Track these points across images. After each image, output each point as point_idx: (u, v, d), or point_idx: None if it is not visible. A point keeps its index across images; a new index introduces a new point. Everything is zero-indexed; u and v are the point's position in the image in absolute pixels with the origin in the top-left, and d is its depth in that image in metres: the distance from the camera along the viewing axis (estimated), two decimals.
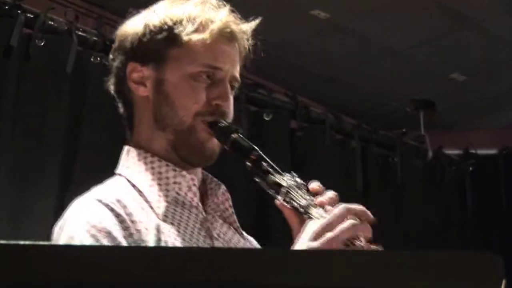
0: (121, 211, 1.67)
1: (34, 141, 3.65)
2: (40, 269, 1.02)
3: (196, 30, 1.80)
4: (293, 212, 1.67)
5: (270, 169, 1.70)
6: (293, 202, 1.65)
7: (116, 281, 1.04)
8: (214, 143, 1.79)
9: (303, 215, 1.64)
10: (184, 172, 1.79)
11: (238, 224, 1.88)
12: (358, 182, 5.11)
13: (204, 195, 1.85)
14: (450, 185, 5.66)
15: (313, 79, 5.11)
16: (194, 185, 1.80)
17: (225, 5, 1.87)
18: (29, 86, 3.71)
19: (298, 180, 1.70)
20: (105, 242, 1.61)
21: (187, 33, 1.80)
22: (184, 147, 1.80)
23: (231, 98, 1.84)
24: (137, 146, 1.85)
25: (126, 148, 1.87)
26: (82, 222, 1.64)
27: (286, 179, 1.69)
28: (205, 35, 1.80)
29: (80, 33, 3.88)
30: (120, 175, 1.83)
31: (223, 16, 1.84)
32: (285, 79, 5.00)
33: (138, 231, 1.66)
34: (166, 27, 1.81)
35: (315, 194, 1.67)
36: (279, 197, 1.67)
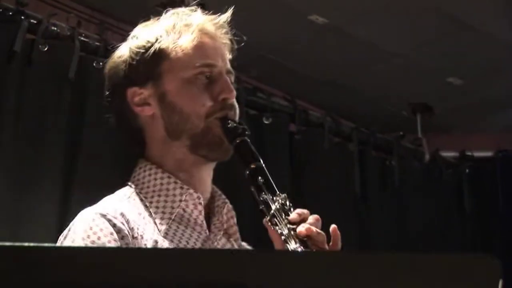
0: (123, 226, 1.69)
1: (36, 145, 3.64)
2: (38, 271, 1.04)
3: (178, 37, 1.85)
4: (276, 233, 1.70)
5: (264, 186, 1.73)
6: (277, 227, 1.69)
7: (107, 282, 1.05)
8: None
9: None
10: (191, 190, 1.82)
11: (241, 242, 1.92)
12: (356, 185, 5.11)
13: (211, 212, 1.88)
14: (447, 187, 5.66)
15: (312, 83, 5.12)
16: (200, 203, 1.83)
17: (195, 10, 1.92)
18: (32, 90, 3.71)
19: (288, 203, 1.73)
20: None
21: (172, 43, 1.85)
22: (203, 146, 1.83)
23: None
24: (150, 161, 1.88)
25: (140, 161, 1.90)
26: (82, 235, 1.67)
27: (276, 200, 1.72)
28: (189, 38, 1.85)
29: (82, 38, 3.88)
30: (130, 186, 1.87)
31: (199, 17, 1.89)
32: (284, 83, 5.02)
33: (137, 245, 1.68)
34: (149, 45, 1.85)
35: (299, 221, 1.69)
36: (265, 218, 1.72)
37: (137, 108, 1.86)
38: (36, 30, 3.74)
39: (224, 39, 1.92)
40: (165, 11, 1.93)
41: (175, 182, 1.82)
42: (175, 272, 1.06)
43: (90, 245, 1.64)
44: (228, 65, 1.90)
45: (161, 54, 1.84)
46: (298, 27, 4.52)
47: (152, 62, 1.85)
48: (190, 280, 1.06)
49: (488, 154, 5.71)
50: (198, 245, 1.79)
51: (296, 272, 1.11)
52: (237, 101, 5.04)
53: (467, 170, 5.69)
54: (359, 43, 4.70)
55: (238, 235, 1.91)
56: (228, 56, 1.92)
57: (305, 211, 1.74)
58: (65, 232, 1.75)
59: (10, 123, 3.61)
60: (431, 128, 5.54)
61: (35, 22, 3.76)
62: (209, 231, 1.84)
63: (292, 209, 1.73)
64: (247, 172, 1.77)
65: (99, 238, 1.66)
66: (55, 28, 3.83)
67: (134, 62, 1.85)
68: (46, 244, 1.08)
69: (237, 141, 1.80)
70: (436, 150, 5.60)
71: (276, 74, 4.94)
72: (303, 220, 1.70)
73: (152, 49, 1.84)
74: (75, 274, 1.04)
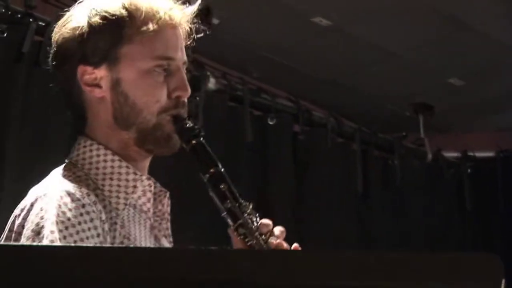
0: (94, 208, 1.64)
1: (42, 146, 3.66)
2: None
3: (142, 23, 1.74)
4: (243, 243, 1.69)
5: (228, 194, 1.70)
6: (246, 238, 1.68)
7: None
8: None
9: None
10: (143, 177, 1.77)
11: (170, 232, 1.86)
12: (358, 184, 5.14)
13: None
14: (449, 187, 5.67)
15: (314, 83, 5.13)
16: (150, 191, 1.79)
17: None
18: (39, 91, 3.75)
19: (254, 213, 1.71)
20: (75, 239, 1.58)
21: (135, 28, 1.75)
22: (150, 142, 1.77)
23: None
24: (95, 140, 1.78)
25: (82, 138, 1.80)
26: (53, 219, 1.59)
27: (244, 210, 1.70)
28: (152, 27, 1.74)
29: None
30: (75, 165, 1.77)
31: (166, 4, 1.79)
32: (287, 84, 5.03)
33: (107, 231, 1.65)
34: (111, 24, 1.74)
35: (266, 232, 1.69)
36: (231, 227, 1.70)
37: (86, 88, 1.76)
38: (44, 32, 3.78)
39: (185, 26, 1.82)
40: None
41: (127, 167, 1.76)
42: (167, 271, 1.06)
43: (61, 229, 1.57)
44: (185, 57, 1.81)
45: (121, 37, 1.74)
46: (301, 29, 4.55)
47: (110, 44, 1.75)
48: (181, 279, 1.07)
49: (489, 154, 5.73)
50: (148, 231, 1.76)
51: (298, 272, 1.10)
52: (242, 102, 5.08)
53: (469, 170, 5.71)
54: (362, 44, 4.71)
55: (169, 229, 1.85)
56: (185, 42, 1.83)
57: (270, 222, 1.72)
58: (23, 214, 1.67)
59: (17, 123, 3.64)
60: (433, 128, 5.56)
61: (43, 24, 3.79)
62: (152, 219, 1.81)
63: (257, 219, 1.71)
64: (207, 176, 1.72)
65: (69, 219, 1.60)
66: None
67: (91, 39, 1.74)
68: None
69: (193, 142, 1.74)
70: (438, 150, 5.61)
71: (279, 75, 4.96)
72: (270, 231, 1.69)
73: (113, 30, 1.74)
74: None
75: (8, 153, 3.60)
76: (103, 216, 1.66)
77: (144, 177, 1.77)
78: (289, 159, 4.84)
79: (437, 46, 4.77)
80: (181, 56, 1.80)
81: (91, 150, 1.77)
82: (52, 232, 1.58)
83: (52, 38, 1.83)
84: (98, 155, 1.76)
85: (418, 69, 5.03)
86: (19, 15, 3.72)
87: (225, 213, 1.71)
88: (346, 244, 4.87)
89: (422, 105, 5.44)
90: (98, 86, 1.77)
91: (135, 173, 1.76)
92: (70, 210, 1.61)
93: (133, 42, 1.75)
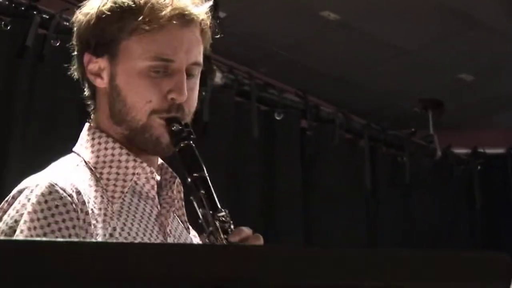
0: (75, 200, 1.61)
1: (47, 140, 3.66)
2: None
3: (145, 18, 1.70)
4: None
5: (205, 200, 1.67)
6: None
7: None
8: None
9: None
10: (144, 164, 1.75)
11: (186, 218, 1.85)
12: (367, 181, 5.12)
13: (158, 186, 1.80)
14: (458, 184, 5.66)
15: (323, 79, 5.13)
16: (153, 178, 1.77)
17: None
18: (43, 85, 3.74)
19: (228, 220, 1.67)
20: (45, 231, 1.57)
21: (136, 23, 1.71)
22: (139, 142, 1.74)
23: (195, 88, 1.77)
24: (99, 128, 1.78)
25: (87, 126, 1.81)
26: (30, 209, 1.59)
27: (216, 218, 1.66)
28: (156, 24, 1.70)
29: None
30: (78, 155, 1.77)
31: (179, 2, 1.73)
32: (295, 79, 5.02)
33: (89, 223, 1.61)
34: (116, 16, 1.72)
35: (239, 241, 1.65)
36: (204, 234, 1.68)
37: (90, 76, 1.77)
38: (48, 25, 3.76)
39: (200, 26, 1.76)
40: None
41: (128, 154, 1.74)
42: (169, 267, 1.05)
43: (43, 223, 1.57)
44: (194, 58, 1.75)
45: (123, 31, 1.72)
46: (310, 23, 4.53)
47: (112, 36, 1.73)
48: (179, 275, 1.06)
49: (500, 150, 5.71)
50: (152, 219, 1.74)
51: (301, 269, 1.10)
52: (249, 97, 5.08)
53: (479, 167, 5.69)
54: (370, 40, 4.71)
55: (186, 218, 1.85)
56: (203, 43, 1.77)
57: (246, 229, 1.67)
58: (9, 200, 1.67)
59: (21, 116, 3.63)
60: (442, 124, 5.53)
61: (47, 17, 3.78)
62: (160, 206, 1.78)
63: (232, 227, 1.67)
64: (189, 180, 1.70)
65: (49, 208, 1.59)
66: (67, 23, 3.84)
67: (97, 29, 1.74)
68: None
69: (181, 145, 1.71)
70: (447, 147, 5.60)
71: (287, 70, 4.94)
72: (242, 240, 1.64)
73: (117, 22, 1.72)
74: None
75: (12, 147, 3.58)
76: (86, 208, 1.62)
77: (144, 164, 1.75)
78: (297, 155, 4.82)
79: (446, 43, 4.76)
80: (185, 57, 1.73)
81: (93, 139, 1.77)
82: (23, 229, 1.58)
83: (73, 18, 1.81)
84: (99, 143, 1.76)
85: (428, 65, 5.02)
86: (22, 8, 3.71)
87: (201, 220, 1.69)
88: (354, 240, 4.85)
89: (431, 102, 5.42)
90: (100, 76, 1.76)
91: (134, 160, 1.74)
92: (46, 202, 1.59)
93: (132, 39, 1.72)
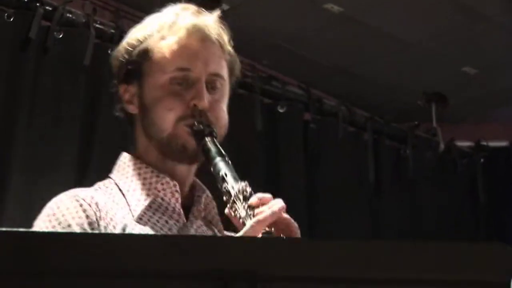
0: (90, 207, 1.72)
1: (51, 133, 3.67)
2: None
3: (162, 38, 1.83)
4: (237, 220, 1.70)
5: (226, 176, 1.72)
6: (236, 212, 1.68)
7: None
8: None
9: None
10: (167, 179, 1.83)
11: (221, 225, 1.90)
12: (370, 175, 5.12)
13: (190, 202, 1.88)
14: (462, 177, 5.65)
15: (326, 71, 5.12)
16: (177, 191, 1.83)
17: (203, 11, 1.87)
18: (47, 78, 3.74)
19: (248, 189, 1.70)
20: (60, 220, 1.71)
21: (155, 44, 1.83)
22: (169, 152, 1.83)
23: (221, 101, 1.85)
24: (135, 155, 1.89)
25: (123, 154, 1.92)
26: (48, 212, 1.74)
27: (237, 188, 1.70)
28: (171, 40, 1.82)
29: (97, 25, 3.90)
30: (110, 178, 1.89)
31: (187, 17, 1.85)
32: (298, 71, 5.02)
33: (105, 227, 1.71)
34: (138, 43, 1.86)
35: (260, 205, 1.67)
36: (227, 206, 1.71)
37: (125, 105, 1.90)
38: (51, 17, 3.76)
39: (212, 39, 1.85)
40: (167, 6, 1.91)
41: (152, 172, 1.84)
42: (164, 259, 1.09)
43: (54, 222, 1.70)
44: (213, 70, 1.84)
45: (144, 55, 1.84)
46: (313, 16, 4.52)
47: (136, 62, 1.85)
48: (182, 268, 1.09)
49: (503, 143, 5.70)
50: (174, 230, 1.79)
51: (307, 261, 1.12)
52: (252, 90, 5.07)
53: (481, 160, 5.68)
54: (374, 32, 4.70)
55: (220, 223, 1.90)
56: (220, 56, 1.86)
57: (267, 195, 1.70)
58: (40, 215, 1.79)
59: (25, 109, 3.63)
60: (446, 117, 5.53)
61: (50, 9, 3.78)
62: (187, 219, 1.84)
63: (253, 194, 1.71)
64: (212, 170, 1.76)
65: (64, 215, 1.71)
66: (71, 15, 3.85)
67: (124, 60, 1.87)
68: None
69: (203, 141, 1.78)
70: (450, 140, 5.59)
71: (290, 63, 4.94)
72: (263, 203, 1.67)
73: (138, 49, 1.85)
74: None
75: (17, 139, 3.59)
76: (101, 214, 1.73)
77: (168, 178, 1.83)
78: (300, 148, 4.82)
79: (450, 36, 4.75)
80: (203, 67, 1.82)
81: (124, 163, 1.89)
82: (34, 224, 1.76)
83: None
84: (129, 166, 1.87)
85: (431, 58, 5.02)
86: (25, 0, 3.70)
87: (225, 197, 1.73)
88: (357, 233, 4.85)
89: (435, 95, 5.41)
90: (132, 103, 1.89)
91: (157, 176, 1.83)
92: (61, 200, 1.76)
93: (153, 58, 1.83)
